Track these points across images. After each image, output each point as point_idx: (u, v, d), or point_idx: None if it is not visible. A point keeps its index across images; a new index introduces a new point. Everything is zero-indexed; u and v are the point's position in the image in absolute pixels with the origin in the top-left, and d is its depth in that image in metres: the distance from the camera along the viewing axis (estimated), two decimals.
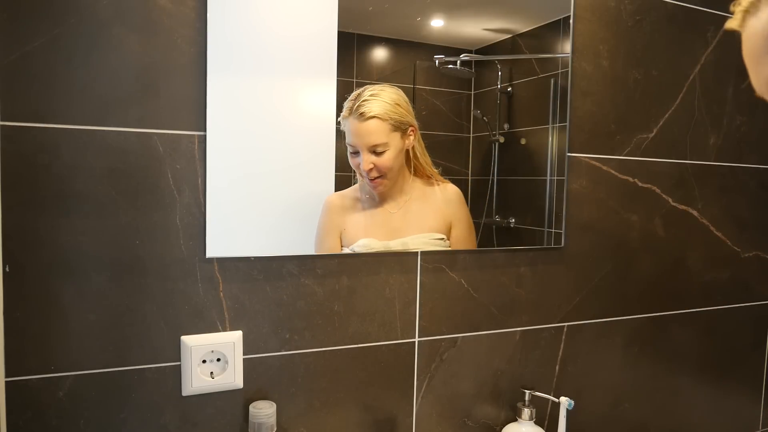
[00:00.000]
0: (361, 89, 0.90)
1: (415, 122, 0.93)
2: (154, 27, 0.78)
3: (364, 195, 0.94)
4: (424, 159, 0.96)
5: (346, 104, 0.89)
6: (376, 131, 0.89)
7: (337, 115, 0.89)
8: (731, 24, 0.45)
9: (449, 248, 0.98)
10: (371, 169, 0.90)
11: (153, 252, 0.80)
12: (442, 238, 0.97)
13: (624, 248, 1.17)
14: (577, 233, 1.11)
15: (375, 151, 0.90)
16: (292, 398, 0.90)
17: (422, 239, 0.96)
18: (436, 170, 0.97)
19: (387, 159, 0.91)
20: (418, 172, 0.97)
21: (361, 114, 0.88)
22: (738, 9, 0.44)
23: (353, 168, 0.92)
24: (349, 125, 0.89)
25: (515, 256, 1.06)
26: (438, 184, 0.98)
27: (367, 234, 0.93)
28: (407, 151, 0.94)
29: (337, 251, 0.91)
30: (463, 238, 0.99)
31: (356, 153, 0.90)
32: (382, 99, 0.89)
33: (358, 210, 0.93)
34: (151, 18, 0.77)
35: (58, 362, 0.76)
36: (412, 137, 0.93)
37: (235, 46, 0.82)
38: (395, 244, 0.94)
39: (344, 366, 0.93)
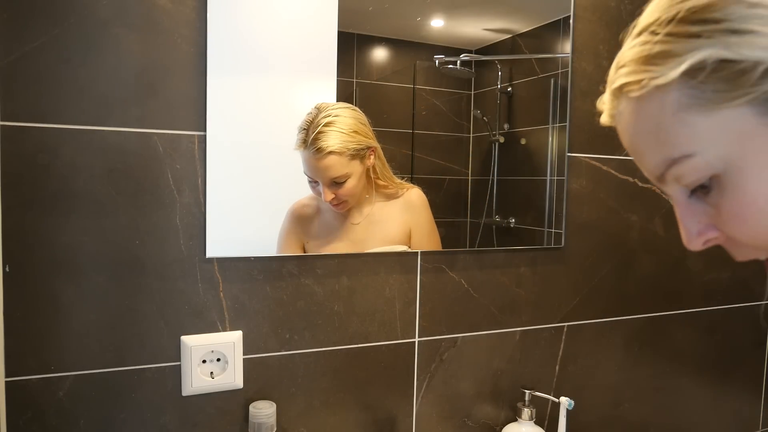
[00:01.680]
0: (315, 113, 0.84)
1: (374, 143, 0.89)
2: (153, 27, 0.77)
3: (328, 204, 0.90)
4: (385, 173, 0.92)
5: (300, 134, 0.84)
6: (335, 165, 0.85)
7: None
8: (604, 121, 0.45)
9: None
10: (333, 198, 0.87)
11: (153, 252, 0.80)
12: (404, 249, 0.95)
13: (624, 248, 1.16)
14: (577, 233, 1.10)
15: (336, 182, 0.86)
16: (292, 398, 0.90)
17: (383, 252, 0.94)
18: (399, 180, 0.94)
19: (348, 188, 0.87)
20: (380, 185, 0.93)
21: (318, 149, 0.83)
22: (603, 108, 0.45)
23: (314, 194, 0.89)
24: (304, 158, 0.85)
25: (515, 256, 1.06)
26: (402, 192, 0.94)
27: (330, 248, 0.91)
28: (368, 169, 0.90)
29: None
30: (422, 245, 0.96)
31: (316, 182, 0.87)
32: (339, 128, 0.84)
33: (320, 220, 0.91)
34: (150, 18, 0.77)
35: (58, 362, 0.76)
36: (372, 157, 0.89)
37: (235, 46, 0.82)
38: None
39: (344, 366, 0.93)
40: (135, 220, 0.78)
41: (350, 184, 0.87)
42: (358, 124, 0.87)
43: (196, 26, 0.80)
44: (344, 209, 0.91)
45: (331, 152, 0.84)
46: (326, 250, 0.91)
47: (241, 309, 0.85)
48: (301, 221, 0.90)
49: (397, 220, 0.95)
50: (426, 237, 0.97)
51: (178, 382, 0.83)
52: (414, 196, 0.95)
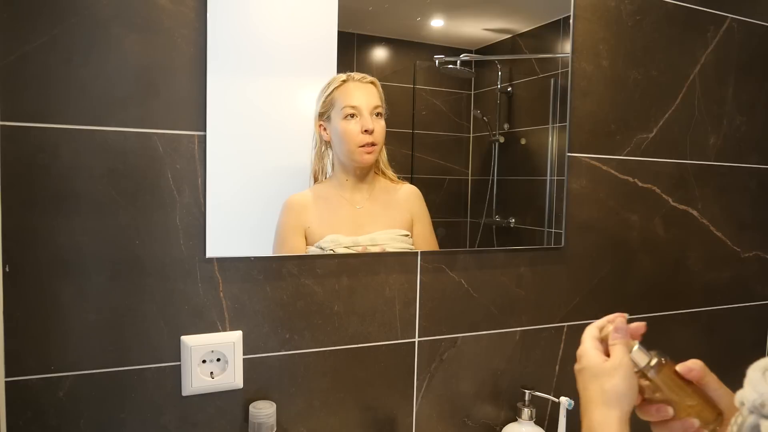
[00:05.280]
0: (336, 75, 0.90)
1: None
2: (154, 27, 0.78)
3: (330, 190, 0.92)
4: (385, 161, 0.95)
5: (338, 78, 0.88)
6: (377, 94, 0.91)
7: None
8: None
9: (412, 245, 0.96)
10: (370, 133, 0.89)
11: (153, 252, 0.80)
12: (407, 234, 0.96)
13: (624, 248, 1.16)
14: (577, 233, 1.10)
15: (377, 113, 0.90)
16: (292, 398, 0.90)
17: (389, 235, 0.95)
18: (392, 171, 0.96)
19: (383, 126, 0.91)
20: (382, 168, 0.95)
21: (362, 77, 0.90)
22: None
23: (345, 138, 0.88)
24: (349, 88, 0.89)
25: (515, 256, 1.06)
26: (397, 183, 0.97)
27: (334, 230, 0.91)
28: None
29: (301, 251, 0.89)
30: (425, 235, 0.98)
31: (352, 116, 0.89)
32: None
33: (321, 207, 0.92)
34: (150, 18, 0.77)
35: (58, 362, 0.76)
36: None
37: (234, 46, 0.82)
38: (364, 240, 0.93)
39: (344, 366, 0.93)
40: (135, 220, 0.78)
41: (384, 124, 0.91)
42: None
43: (196, 26, 0.80)
44: (372, 153, 0.91)
45: (373, 81, 0.91)
46: (330, 233, 0.91)
47: (241, 309, 0.85)
48: (300, 209, 0.90)
49: (401, 207, 0.96)
50: (428, 230, 0.98)
51: (178, 382, 0.83)
52: (411, 189, 0.97)
